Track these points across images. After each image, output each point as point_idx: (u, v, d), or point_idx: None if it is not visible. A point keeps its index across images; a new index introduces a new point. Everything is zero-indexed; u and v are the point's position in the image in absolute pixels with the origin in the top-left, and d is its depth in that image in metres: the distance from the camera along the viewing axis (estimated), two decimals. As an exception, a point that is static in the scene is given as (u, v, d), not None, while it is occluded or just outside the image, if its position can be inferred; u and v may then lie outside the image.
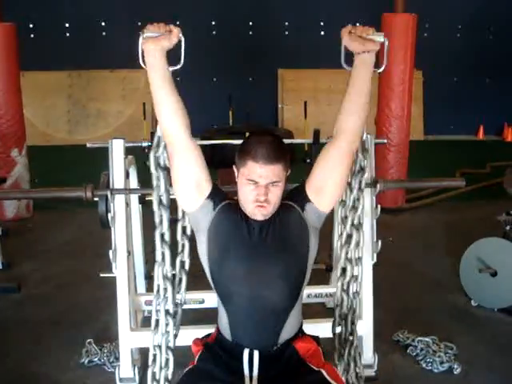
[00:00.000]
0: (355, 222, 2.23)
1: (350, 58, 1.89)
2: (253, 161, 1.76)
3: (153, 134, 3.60)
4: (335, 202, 1.99)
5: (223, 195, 1.92)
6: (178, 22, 9.32)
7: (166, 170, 2.08)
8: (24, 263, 4.33)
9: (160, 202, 2.10)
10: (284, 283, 1.87)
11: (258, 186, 1.77)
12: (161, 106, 1.83)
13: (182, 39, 1.81)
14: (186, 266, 2.18)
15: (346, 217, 2.27)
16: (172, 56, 1.91)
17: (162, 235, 2.10)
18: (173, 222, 2.14)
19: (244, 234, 1.85)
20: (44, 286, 3.94)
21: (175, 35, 1.79)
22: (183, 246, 2.16)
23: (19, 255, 4.45)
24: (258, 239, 1.85)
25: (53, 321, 3.44)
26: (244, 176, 1.79)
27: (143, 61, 1.82)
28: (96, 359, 2.99)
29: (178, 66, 1.86)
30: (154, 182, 2.11)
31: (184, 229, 2.14)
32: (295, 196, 1.92)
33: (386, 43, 1.85)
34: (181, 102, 1.85)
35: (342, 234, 2.27)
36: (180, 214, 2.14)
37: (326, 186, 1.88)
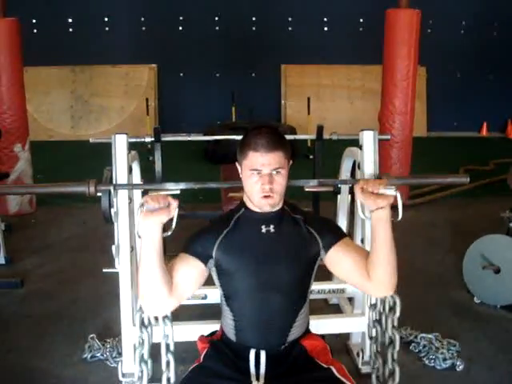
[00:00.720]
0: None
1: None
2: (254, 151, 1.79)
3: (156, 129, 3.63)
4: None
5: (209, 241, 1.88)
6: (181, 18, 9.40)
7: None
8: (27, 258, 4.33)
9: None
10: (293, 288, 1.89)
11: (262, 176, 1.79)
12: (149, 280, 1.75)
13: (176, 211, 1.77)
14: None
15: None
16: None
17: None
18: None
19: (251, 246, 1.87)
20: (47, 282, 3.94)
21: (174, 209, 1.76)
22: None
23: (22, 250, 4.45)
24: (267, 245, 1.87)
25: (56, 316, 3.44)
26: (247, 168, 1.81)
27: (140, 231, 1.76)
28: (99, 354, 2.99)
29: (170, 232, 1.82)
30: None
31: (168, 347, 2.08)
32: (325, 236, 1.92)
33: (399, 196, 1.82)
34: (167, 272, 1.78)
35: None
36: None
37: (340, 273, 1.94)
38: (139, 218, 1.73)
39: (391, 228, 1.81)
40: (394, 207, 1.83)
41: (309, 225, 1.92)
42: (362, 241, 2.87)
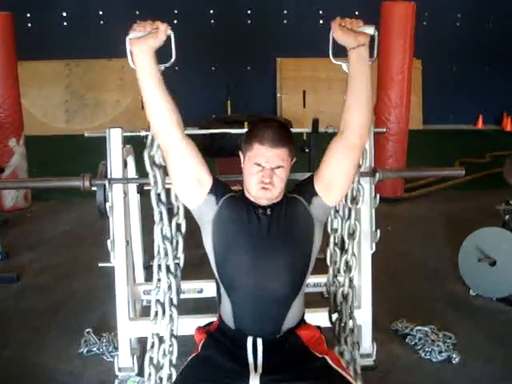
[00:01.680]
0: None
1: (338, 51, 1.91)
2: (259, 144, 1.78)
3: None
4: (343, 195, 2.01)
5: (226, 188, 1.92)
6: (175, 11, 9.35)
7: (162, 167, 2.10)
8: (23, 253, 4.32)
9: (159, 200, 2.12)
10: (288, 275, 1.89)
11: (264, 169, 1.79)
12: (151, 105, 1.81)
13: (172, 35, 1.77)
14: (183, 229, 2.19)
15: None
16: (166, 53, 1.88)
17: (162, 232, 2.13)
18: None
19: (250, 225, 1.86)
20: (43, 276, 3.94)
21: (162, 32, 1.76)
22: (178, 208, 2.16)
23: (18, 245, 4.44)
24: (263, 231, 1.86)
25: (52, 311, 3.44)
26: (250, 160, 1.81)
27: (132, 61, 1.79)
28: (95, 349, 2.99)
29: (169, 63, 1.83)
30: (152, 180, 2.12)
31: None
32: (303, 189, 1.93)
33: (376, 34, 1.86)
34: (171, 100, 1.83)
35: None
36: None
37: (334, 179, 1.89)
38: (128, 47, 1.75)
39: (369, 63, 1.85)
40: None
41: (291, 193, 1.93)
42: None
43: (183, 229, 2.17)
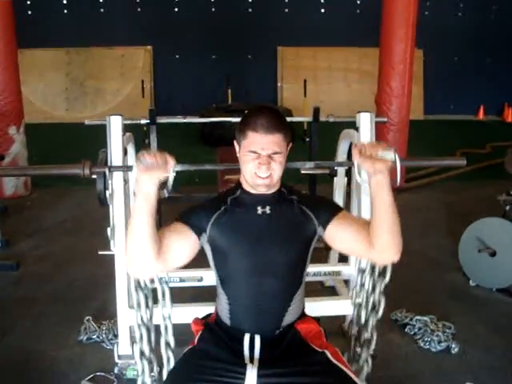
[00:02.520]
0: None
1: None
2: (253, 131, 1.75)
3: (151, 110, 3.60)
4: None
5: (206, 215, 1.86)
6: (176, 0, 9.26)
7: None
8: (22, 241, 4.33)
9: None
10: (288, 270, 1.87)
11: (260, 157, 1.76)
12: (138, 240, 1.70)
13: (175, 168, 1.74)
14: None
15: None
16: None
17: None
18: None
19: (246, 226, 1.85)
20: (42, 264, 3.94)
21: (171, 166, 1.71)
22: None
23: (18, 233, 4.44)
24: (262, 229, 1.85)
25: (51, 298, 3.44)
26: (245, 148, 1.78)
27: (137, 187, 1.72)
28: (95, 336, 2.99)
29: (166, 195, 1.79)
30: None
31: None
32: (320, 214, 1.89)
33: (398, 159, 1.75)
34: (156, 233, 1.73)
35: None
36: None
37: (340, 245, 1.91)
38: (135, 174, 1.70)
39: (391, 191, 1.75)
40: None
41: (303, 205, 1.90)
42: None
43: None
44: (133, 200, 1.72)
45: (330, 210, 1.90)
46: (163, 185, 1.75)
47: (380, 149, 1.74)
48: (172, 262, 1.78)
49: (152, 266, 1.73)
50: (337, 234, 1.86)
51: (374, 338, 2.12)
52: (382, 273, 2.10)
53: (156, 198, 1.71)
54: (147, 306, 2.06)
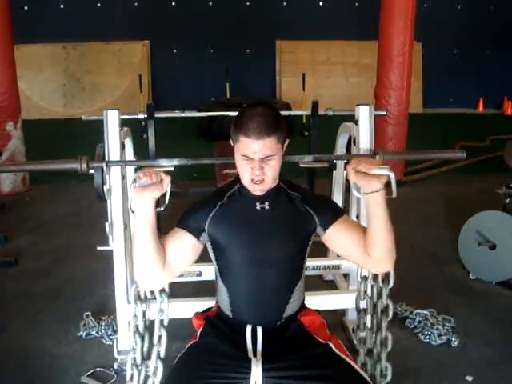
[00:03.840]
0: None
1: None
2: (245, 136, 1.73)
3: (149, 105, 3.59)
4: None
5: (202, 217, 1.86)
6: (174, -7, 9.19)
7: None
8: (21, 237, 4.31)
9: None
10: (288, 264, 1.88)
11: (253, 161, 1.74)
12: (143, 251, 1.75)
13: (169, 186, 1.76)
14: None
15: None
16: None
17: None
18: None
19: (246, 221, 1.85)
20: (41, 260, 3.93)
21: (166, 185, 1.73)
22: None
23: (16, 229, 4.43)
24: (261, 223, 1.85)
25: (50, 294, 3.44)
26: (239, 152, 1.77)
27: (134, 207, 1.74)
28: (94, 332, 2.99)
29: (162, 208, 1.81)
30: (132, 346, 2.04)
31: (162, 322, 2.03)
32: (321, 214, 1.89)
33: (392, 176, 1.73)
34: (160, 246, 1.78)
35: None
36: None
37: (339, 249, 1.91)
38: (132, 194, 1.73)
39: (386, 207, 1.76)
40: (387, 184, 1.79)
41: (305, 202, 1.89)
42: (358, 217, 2.86)
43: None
44: (130, 199, 1.72)
45: (332, 213, 1.90)
46: (159, 201, 1.78)
47: (375, 164, 1.74)
48: (178, 268, 1.84)
49: (160, 277, 1.81)
50: (336, 238, 1.87)
51: (389, 337, 2.10)
52: (386, 278, 2.10)
53: (154, 215, 1.75)
54: (144, 316, 2.06)
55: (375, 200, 1.74)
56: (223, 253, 1.87)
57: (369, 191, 1.73)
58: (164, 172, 1.75)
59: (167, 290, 1.99)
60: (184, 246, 1.83)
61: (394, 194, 1.75)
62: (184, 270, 1.90)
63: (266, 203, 1.86)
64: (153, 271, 1.77)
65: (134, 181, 1.73)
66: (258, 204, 1.85)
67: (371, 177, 1.71)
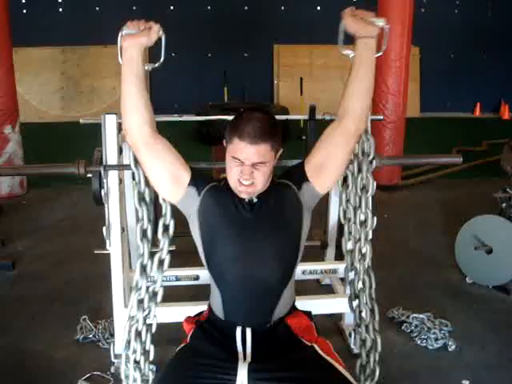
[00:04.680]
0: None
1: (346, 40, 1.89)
2: (239, 139, 1.73)
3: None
4: (334, 183, 1.97)
5: (206, 179, 1.90)
6: (172, -4, 9.16)
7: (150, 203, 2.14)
8: (18, 240, 4.31)
9: (143, 235, 2.12)
10: (277, 262, 1.87)
11: (244, 166, 1.75)
12: (129, 101, 1.81)
13: (163, 36, 1.76)
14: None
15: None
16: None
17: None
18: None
19: (236, 214, 1.84)
20: (38, 263, 3.93)
21: (155, 32, 1.76)
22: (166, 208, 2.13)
23: (13, 232, 4.43)
24: (250, 219, 1.84)
25: (47, 298, 3.43)
26: (230, 153, 1.77)
27: (121, 56, 1.79)
28: (91, 336, 2.99)
29: (158, 64, 1.82)
30: (139, 215, 2.12)
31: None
32: (293, 175, 1.90)
33: (387, 29, 1.83)
34: (148, 100, 1.84)
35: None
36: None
37: (327, 165, 1.86)
38: (119, 43, 1.75)
39: (374, 56, 1.86)
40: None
41: (280, 179, 1.91)
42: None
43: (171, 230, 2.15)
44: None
45: (297, 167, 1.93)
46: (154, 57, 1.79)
47: (371, 15, 1.83)
48: (157, 151, 1.83)
49: (143, 129, 1.82)
50: (319, 168, 1.86)
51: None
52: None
53: (142, 64, 1.79)
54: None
55: (368, 46, 1.83)
56: (211, 241, 1.86)
57: (363, 35, 1.81)
58: (154, 22, 1.77)
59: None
60: (174, 161, 1.85)
61: (385, 47, 1.87)
62: (157, 163, 1.85)
63: (255, 199, 1.85)
64: (138, 118, 1.80)
65: (121, 30, 1.74)
66: (246, 198, 1.85)
67: (368, 22, 1.80)
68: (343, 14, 1.82)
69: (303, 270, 3.03)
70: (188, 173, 1.86)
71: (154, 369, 2.28)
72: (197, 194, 1.85)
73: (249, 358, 1.83)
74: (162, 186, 1.87)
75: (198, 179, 1.87)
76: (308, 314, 2.02)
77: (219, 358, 1.82)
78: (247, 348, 1.85)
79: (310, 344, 1.87)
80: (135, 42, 1.74)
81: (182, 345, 1.94)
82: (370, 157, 2.39)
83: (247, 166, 1.74)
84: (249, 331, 1.86)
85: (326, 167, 1.86)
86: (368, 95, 1.87)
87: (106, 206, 2.62)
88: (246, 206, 1.84)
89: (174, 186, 1.85)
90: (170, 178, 1.84)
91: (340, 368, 1.81)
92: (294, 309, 1.99)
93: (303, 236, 1.91)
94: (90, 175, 2.50)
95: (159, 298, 2.14)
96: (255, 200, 1.85)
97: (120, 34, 1.73)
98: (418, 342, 2.98)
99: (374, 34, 1.81)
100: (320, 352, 1.85)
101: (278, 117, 2.03)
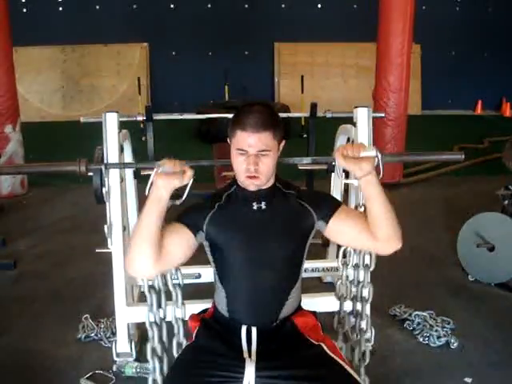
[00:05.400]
0: None
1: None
2: (241, 130, 1.76)
3: (148, 107, 3.58)
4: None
5: (203, 211, 1.87)
6: (173, -5, 9.17)
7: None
8: (19, 240, 4.31)
9: None
10: (286, 264, 1.89)
11: (248, 156, 1.76)
12: (145, 236, 1.72)
13: (191, 181, 1.75)
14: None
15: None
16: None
17: None
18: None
19: (245, 218, 1.86)
20: (40, 263, 3.92)
21: (188, 177, 1.73)
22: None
23: (14, 232, 4.43)
24: (259, 222, 1.86)
25: (49, 297, 3.43)
26: (234, 146, 1.79)
27: (150, 191, 1.74)
28: (93, 334, 2.98)
29: (179, 203, 1.79)
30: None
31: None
32: (321, 206, 1.91)
33: (380, 156, 1.80)
34: (161, 239, 1.76)
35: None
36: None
37: (345, 233, 1.90)
38: (152, 178, 1.72)
39: (381, 186, 1.81)
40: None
41: (301, 199, 1.91)
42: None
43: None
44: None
45: (330, 205, 1.92)
46: (176, 195, 1.76)
47: (361, 148, 1.79)
48: (171, 262, 1.82)
49: (152, 267, 1.76)
50: (340, 228, 1.88)
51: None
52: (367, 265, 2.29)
53: (166, 204, 1.74)
54: (160, 306, 2.13)
55: (369, 182, 1.78)
56: (221, 254, 1.87)
57: (361, 175, 1.77)
58: (190, 167, 1.74)
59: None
60: (180, 240, 1.82)
61: (381, 175, 1.80)
62: (176, 265, 1.89)
63: (263, 203, 1.87)
64: (147, 259, 1.73)
65: (158, 166, 1.72)
66: (254, 204, 1.86)
67: (360, 160, 1.76)
68: (334, 155, 1.81)
69: (305, 267, 2.99)
70: (191, 234, 1.83)
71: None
72: (202, 234, 1.86)
73: (254, 357, 1.83)
74: (186, 259, 1.87)
75: (197, 222, 1.85)
76: (314, 313, 2.02)
77: (225, 355, 1.82)
78: (253, 346, 1.85)
79: (317, 343, 1.87)
80: (169, 184, 1.71)
81: (188, 343, 1.94)
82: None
83: (251, 155, 1.76)
84: (254, 330, 1.86)
85: (343, 237, 1.93)
86: (386, 226, 1.83)
87: (107, 204, 2.62)
88: (255, 213, 1.86)
89: (191, 250, 1.85)
90: (187, 253, 1.84)
91: (347, 367, 1.81)
92: (300, 308, 1.99)
93: (311, 237, 1.93)
94: (90, 174, 2.49)
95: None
96: (264, 207, 1.86)
97: (155, 170, 1.71)
98: (421, 339, 2.97)
99: (370, 171, 1.76)
100: (327, 351, 1.85)
101: (279, 115, 2.02)
